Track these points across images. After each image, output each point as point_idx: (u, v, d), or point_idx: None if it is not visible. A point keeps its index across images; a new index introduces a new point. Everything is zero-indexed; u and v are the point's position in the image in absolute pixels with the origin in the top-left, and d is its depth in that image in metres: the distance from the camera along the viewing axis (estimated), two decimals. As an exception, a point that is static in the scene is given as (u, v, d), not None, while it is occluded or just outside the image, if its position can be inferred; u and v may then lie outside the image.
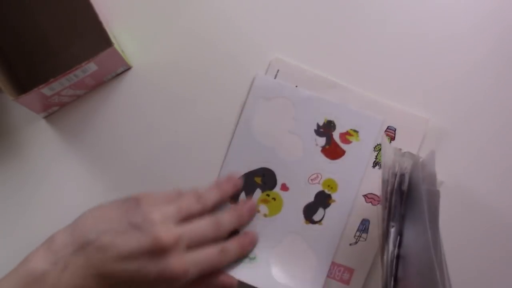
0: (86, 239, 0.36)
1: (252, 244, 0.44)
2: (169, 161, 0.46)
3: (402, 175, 0.39)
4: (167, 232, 0.37)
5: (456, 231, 0.45)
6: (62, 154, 0.46)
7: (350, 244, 0.44)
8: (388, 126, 0.45)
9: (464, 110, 0.46)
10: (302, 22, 0.47)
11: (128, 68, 0.46)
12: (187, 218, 0.40)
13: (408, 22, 0.47)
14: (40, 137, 0.46)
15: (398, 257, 0.38)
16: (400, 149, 0.43)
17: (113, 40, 0.41)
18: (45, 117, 0.46)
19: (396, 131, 0.45)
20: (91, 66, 0.41)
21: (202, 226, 0.40)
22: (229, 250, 0.41)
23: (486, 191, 0.45)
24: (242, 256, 0.43)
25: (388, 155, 0.40)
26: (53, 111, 0.46)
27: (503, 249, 0.45)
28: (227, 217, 0.42)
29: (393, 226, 0.38)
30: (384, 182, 0.39)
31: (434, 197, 0.36)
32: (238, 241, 0.43)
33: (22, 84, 0.45)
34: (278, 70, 0.46)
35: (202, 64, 0.47)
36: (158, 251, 0.36)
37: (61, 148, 0.46)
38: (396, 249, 0.38)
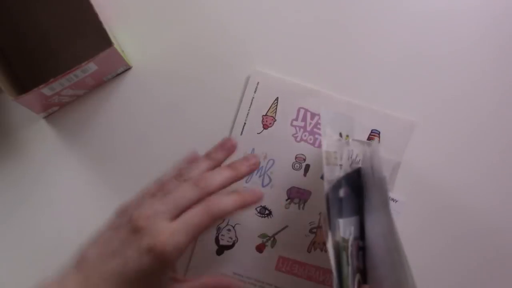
0: (93, 272, 0.35)
1: (256, 196, 0.38)
2: (169, 160, 0.46)
3: (357, 169, 0.40)
4: (139, 211, 0.35)
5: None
6: (62, 154, 0.46)
7: None
8: (372, 130, 0.45)
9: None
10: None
11: (128, 68, 0.46)
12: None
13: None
14: (40, 137, 0.46)
15: (363, 249, 0.38)
16: (340, 139, 0.42)
17: (113, 40, 0.41)
18: (45, 117, 0.46)
19: (381, 134, 0.45)
20: (91, 66, 0.41)
21: (180, 190, 0.36)
22: (221, 201, 0.35)
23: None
24: (241, 207, 0.37)
25: (325, 147, 0.38)
26: (53, 111, 0.46)
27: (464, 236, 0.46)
28: (218, 173, 0.37)
29: (340, 220, 0.37)
30: (327, 179, 0.38)
31: (382, 183, 0.35)
32: (237, 191, 0.37)
33: (22, 84, 0.45)
34: (258, 83, 0.46)
35: (200, 64, 0.47)
36: (134, 231, 0.34)
37: (61, 148, 0.46)
38: (360, 241, 0.38)
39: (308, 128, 0.45)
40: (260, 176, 0.45)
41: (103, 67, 0.42)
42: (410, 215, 0.45)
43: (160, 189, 0.37)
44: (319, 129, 0.45)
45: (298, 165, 0.45)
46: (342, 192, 0.38)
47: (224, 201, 0.36)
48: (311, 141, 0.45)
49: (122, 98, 0.46)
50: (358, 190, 0.39)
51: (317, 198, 0.45)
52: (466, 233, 0.46)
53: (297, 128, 0.45)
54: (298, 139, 0.45)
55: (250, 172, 0.39)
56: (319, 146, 0.45)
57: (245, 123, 0.45)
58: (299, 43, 0.47)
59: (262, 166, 0.45)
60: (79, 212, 0.45)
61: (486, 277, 0.45)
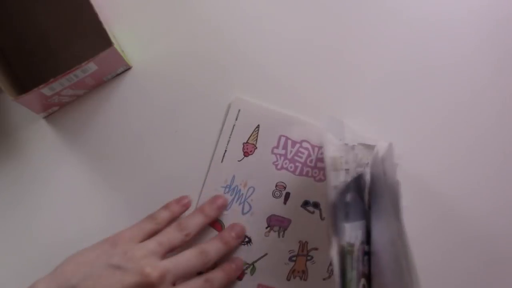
0: (68, 286, 0.35)
1: (238, 270, 0.43)
2: (169, 160, 0.46)
3: (361, 174, 0.39)
4: (153, 267, 0.36)
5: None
6: (62, 154, 0.46)
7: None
8: None
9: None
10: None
11: (128, 68, 0.46)
12: (170, 250, 0.39)
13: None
14: (40, 137, 0.46)
15: (369, 254, 0.38)
16: (347, 144, 0.42)
17: (113, 40, 0.41)
18: (45, 117, 0.46)
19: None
20: (91, 66, 0.41)
21: (187, 258, 0.39)
22: (215, 279, 0.41)
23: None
24: (229, 283, 0.43)
25: (331, 153, 0.39)
26: (53, 111, 0.46)
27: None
28: (213, 247, 0.41)
29: (346, 224, 0.38)
30: (329, 185, 0.39)
31: (394, 188, 0.35)
32: (224, 269, 0.42)
33: (22, 84, 0.45)
34: (239, 110, 0.45)
35: (200, 64, 0.47)
36: (144, 284, 0.35)
37: (61, 148, 0.46)
38: (366, 246, 0.38)
39: (289, 156, 0.45)
40: (240, 204, 0.45)
41: (103, 67, 0.42)
42: (410, 221, 0.45)
43: (163, 240, 0.39)
44: (300, 157, 0.45)
45: (279, 193, 0.45)
46: (348, 197, 0.38)
47: (219, 281, 0.41)
48: (291, 169, 0.45)
49: (122, 98, 0.46)
50: (361, 194, 0.39)
51: (296, 226, 0.44)
52: (466, 239, 0.45)
53: (278, 156, 0.45)
54: (279, 167, 0.45)
55: (238, 245, 0.44)
56: (300, 174, 0.45)
57: (226, 150, 0.45)
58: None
59: (243, 194, 0.45)
60: (79, 212, 0.45)
61: (487, 282, 0.45)
